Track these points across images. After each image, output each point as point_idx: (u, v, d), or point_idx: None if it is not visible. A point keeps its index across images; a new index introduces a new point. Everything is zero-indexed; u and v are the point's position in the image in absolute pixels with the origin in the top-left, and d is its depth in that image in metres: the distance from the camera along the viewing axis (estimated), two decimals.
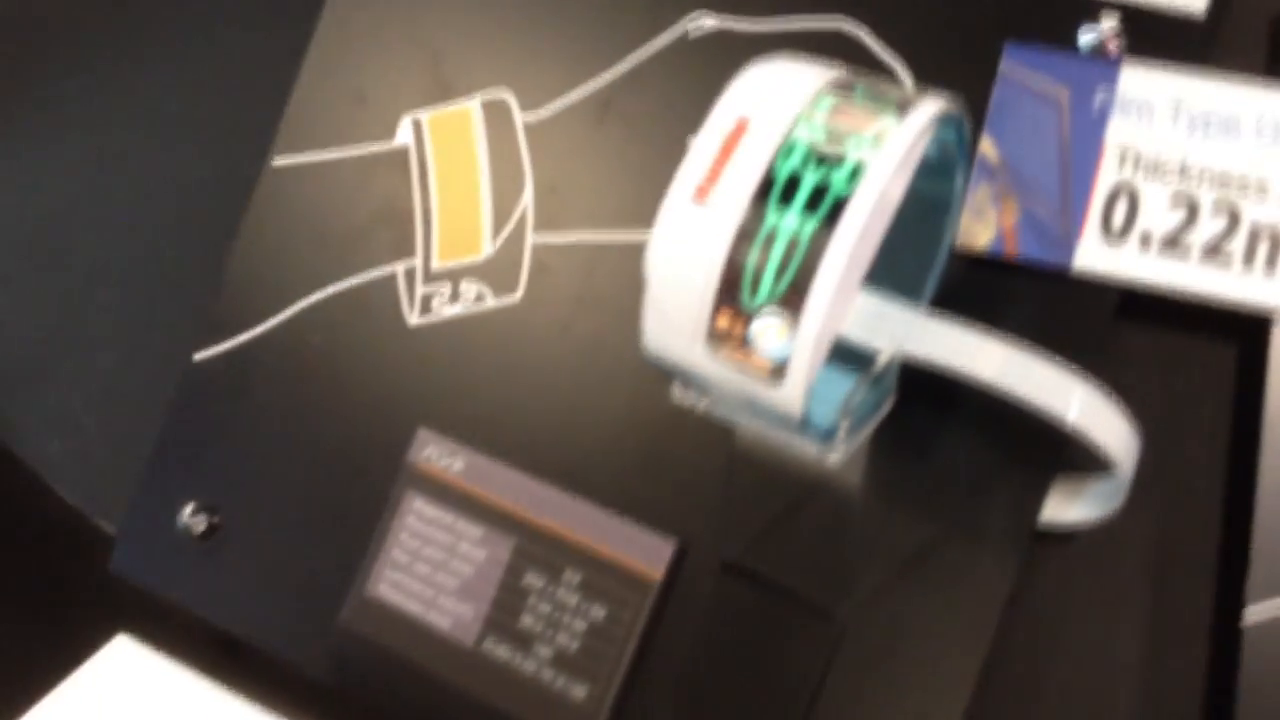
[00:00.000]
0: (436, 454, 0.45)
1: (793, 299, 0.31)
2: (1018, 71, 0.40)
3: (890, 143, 0.31)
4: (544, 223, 0.46)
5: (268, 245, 0.49)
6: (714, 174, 0.32)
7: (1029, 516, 0.39)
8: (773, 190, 0.32)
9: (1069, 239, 0.39)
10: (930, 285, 0.39)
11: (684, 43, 0.45)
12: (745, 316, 0.32)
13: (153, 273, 0.53)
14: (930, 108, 0.32)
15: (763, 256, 0.31)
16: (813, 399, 0.33)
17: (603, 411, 0.43)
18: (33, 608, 0.49)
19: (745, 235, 0.32)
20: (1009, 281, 0.40)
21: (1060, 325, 0.39)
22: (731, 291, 0.32)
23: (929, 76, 0.42)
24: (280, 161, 0.49)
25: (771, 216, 0.31)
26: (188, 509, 0.47)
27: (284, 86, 0.49)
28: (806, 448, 0.34)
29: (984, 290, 0.40)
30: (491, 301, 0.46)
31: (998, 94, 0.40)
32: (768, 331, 0.31)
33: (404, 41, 0.49)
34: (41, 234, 0.56)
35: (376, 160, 0.48)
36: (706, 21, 0.45)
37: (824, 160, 0.32)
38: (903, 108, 0.32)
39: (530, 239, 0.46)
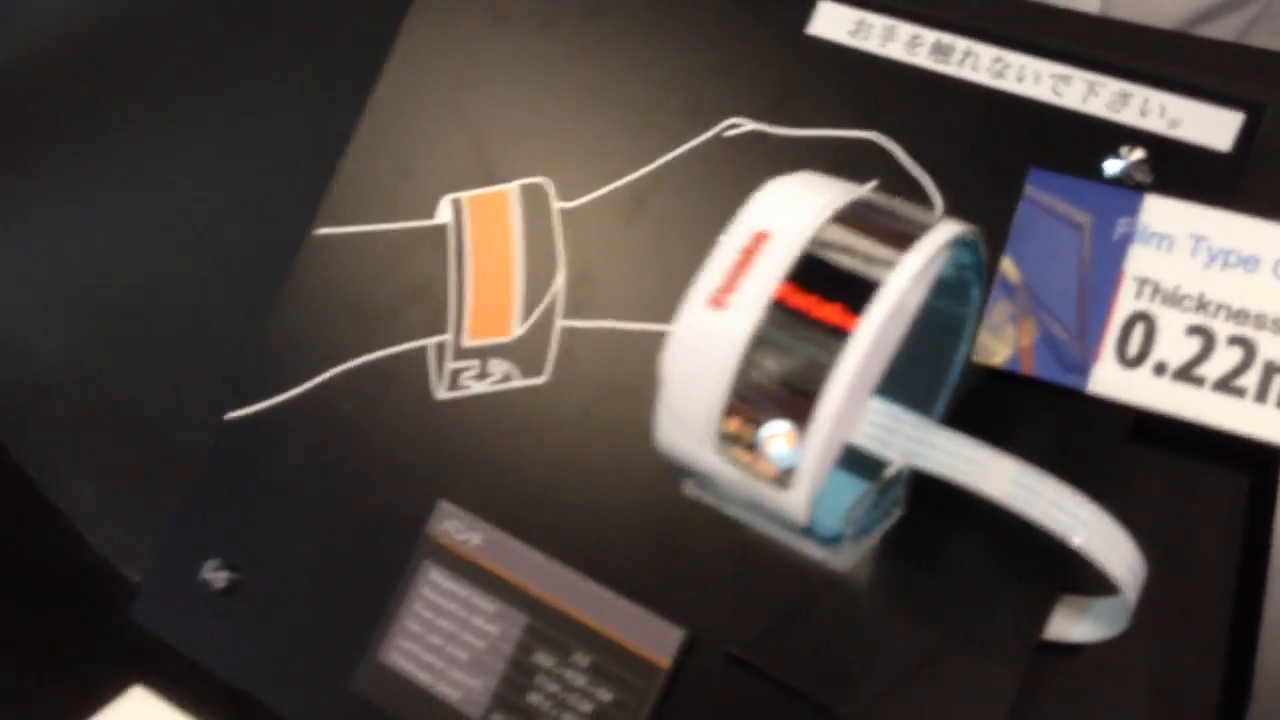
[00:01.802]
0: (455, 527, 0.46)
1: (801, 408, 0.32)
2: (1041, 196, 0.41)
3: (904, 264, 0.32)
4: (574, 308, 0.47)
5: (304, 311, 0.51)
6: (731, 282, 0.33)
7: (1033, 631, 0.39)
8: (784, 303, 0.33)
9: (1085, 362, 0.40)
10: (943, 399, 0.39)
11: (718, 142, 0.47)
12: (755, 422, 0.33)
13: (198, 328, 0.55)
14: (945, 231, 0.33)
15: (775, 364, 0.32)
16: (819, 505, 0.34)
17: (620, 497, 0.44)
18: (53, 652, 0.50)
19: (759, 342, 0.33)
20: (1024, 396, 0.41)
21: (1073, 444, 0.40)
22: (742, 396, 0.33)
23: (955, 193, 0.43)
24: (322, 231, 0.51)
25: (781, 327, 0.32)
26: (210, 564, 0.48)
27: (332, 158, 0.51)
28: (812, 551, 0.35)
29: (999, 403, 0.41)
30: (518, 381, 0.47)
31: (1020, 216, 0.41)
32: (776, 438, 0.32)
33: (450, 125, 0.51)
34: (90, 283, 0.58)
35: (416, 236, 0.50)
36: (742, 123, 0.46)
37: (839, 277, 0.33)
38: (920, 229, 0.33)
39: (559, 323, 0.47)
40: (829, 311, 0.32)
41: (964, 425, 0.37)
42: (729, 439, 0.33)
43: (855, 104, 0.45)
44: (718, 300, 0.33)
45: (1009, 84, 0.43)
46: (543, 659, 0.43)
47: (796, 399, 0.32)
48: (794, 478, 0.32)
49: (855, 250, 0.33)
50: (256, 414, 0.50)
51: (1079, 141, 0.42)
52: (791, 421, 0.32)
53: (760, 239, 0.34)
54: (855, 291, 0.32)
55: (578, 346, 0.47)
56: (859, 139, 0.45)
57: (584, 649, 0.43)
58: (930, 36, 0.45)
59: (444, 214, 0.50)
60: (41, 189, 0.60)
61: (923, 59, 0.45)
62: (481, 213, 0.49)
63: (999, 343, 0.41)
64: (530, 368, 0.47)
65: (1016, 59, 0.44)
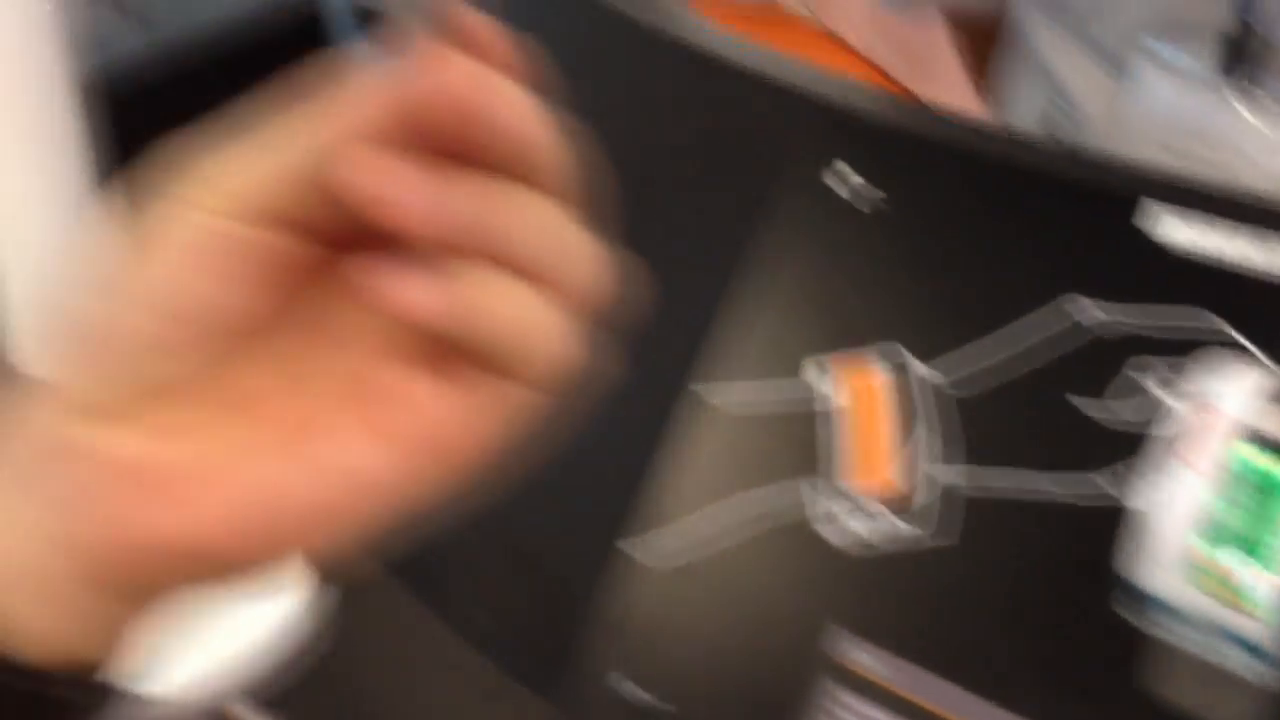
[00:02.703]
0: (852, 651, 0.53)
1: (1261, 548, 0.40)
2: None
3: None
4: (943, 461, 0.55)
5: (686, 457, 0.58)
6: (1196, 445, 0.41)
7: None
8: (1244, 460, 0.41)
9: None
10: None
11: (1061, 318, 0.55)
12: (1219, 556, 0.40)
13: (576, 469, 0.63)
14: None
15: (1236, 511, 0.40)
16: None
17: (1009, 624, 0.52)
18: None
19: (1222, 493, 0.40)
20: None
21: None
22: (1209, 536, 0.40)
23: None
24: (701, 386, 0.59)
25: (1242, 481, 0.40)
26: (624, 683, 0.55)
27: (675, 319, 0.59)
28: (1251, 669, 0.42)
29: None
30: (896, 523, 0.55)
31: None
32: (1243, 572, 0.40)
33: (810, 296, 0.59)
34: None
35: (788, 393, 0.58)
36: (1090, 310, 0.55)
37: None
38: None
39: (932, 475, 0.55)
40: None
41: None
42: (1197, 569, 0.41)
43: (1182, 286, 0.54)
44: (1186, 459, 0.41)
45: None
46: None
47: (1253, 540, 0.40)
48: (1262, 607, 0.40)
49: None
50: (648, 545, 0.57)
51: None
52: (1256, 561, 0.40)
53: (1211, 411, 0.42)
54: None
55: (950, 494, 0.54)
56: (1200, 326, 0.53)
57: None
58: (1246, 229, 0.54)
59: (810, 374, 0.58)
60: None
61: (1241, 248, 0.54)
62: (848, 376, 0.58)
63: None
64: (905, 511, 0.55)
65: None
